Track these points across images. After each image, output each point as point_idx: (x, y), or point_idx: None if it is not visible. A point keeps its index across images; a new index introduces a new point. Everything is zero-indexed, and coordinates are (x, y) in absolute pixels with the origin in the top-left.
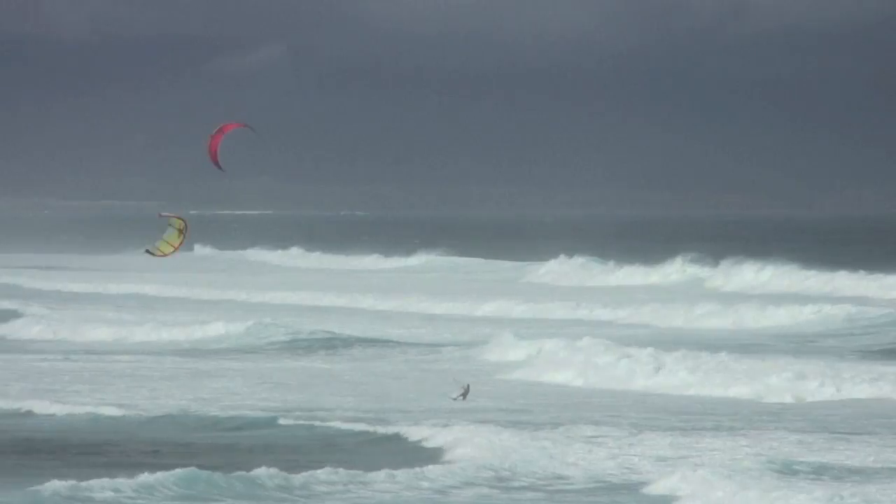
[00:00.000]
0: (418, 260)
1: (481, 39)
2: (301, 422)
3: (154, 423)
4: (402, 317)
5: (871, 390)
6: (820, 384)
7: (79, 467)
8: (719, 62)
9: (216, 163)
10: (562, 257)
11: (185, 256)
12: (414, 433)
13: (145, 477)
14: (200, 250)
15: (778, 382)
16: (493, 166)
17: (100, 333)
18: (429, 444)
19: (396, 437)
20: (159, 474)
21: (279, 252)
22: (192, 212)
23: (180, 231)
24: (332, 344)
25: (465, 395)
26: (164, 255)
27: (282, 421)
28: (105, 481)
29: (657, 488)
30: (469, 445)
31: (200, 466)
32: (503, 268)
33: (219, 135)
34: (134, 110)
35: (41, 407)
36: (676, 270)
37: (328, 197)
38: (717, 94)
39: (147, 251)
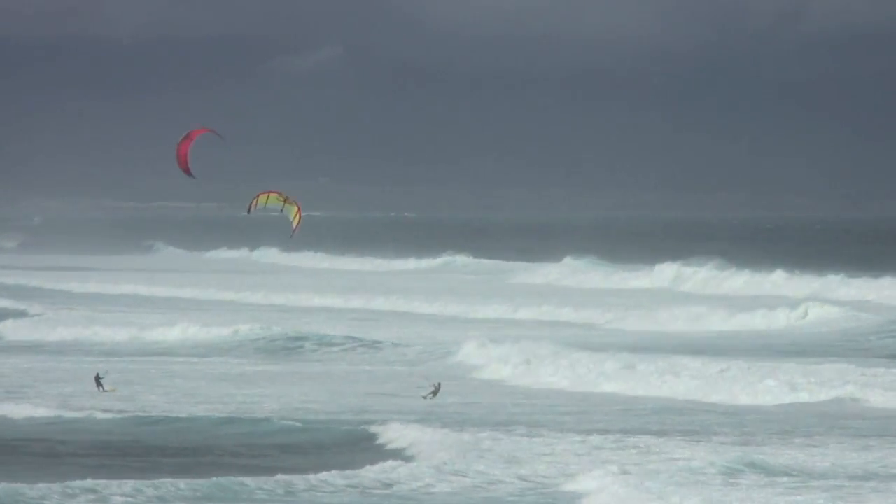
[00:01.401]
0: (436, 262)
1: (538, 41)
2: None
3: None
4: (391, 317)
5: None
6: (773, 386)
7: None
8: (777, 64)
9: (186, 170)
10: (566, 259)
11: (208, 258)
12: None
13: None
14: (226, 253)
15: (724, 385)
16: (548, 168)
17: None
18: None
19: (357, 437)
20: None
21: (293, 254)
22: (241, 213)
23: (286, 201)
24: (309, 345)
25: (435, 393)
26: (296, 226)
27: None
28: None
29: (574, 487)
30: (402, 441)
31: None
32: (515, 269)
33: (187, 141)
34: (191, 111)
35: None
36: (675, 275)
37: (381, 198)
38: (772, 95)
39: (293, 235)
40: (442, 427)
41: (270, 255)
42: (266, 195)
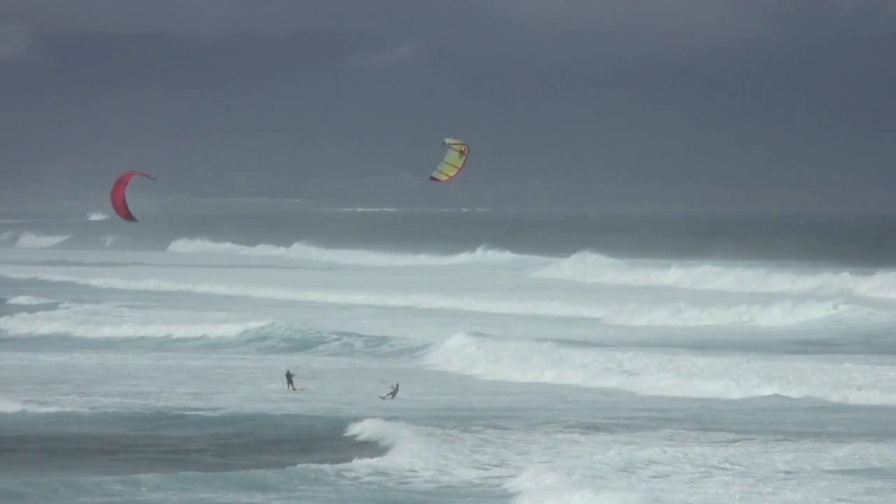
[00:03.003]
0: (469, 258)
1: (617, 35)
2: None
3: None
4: (397, 312)
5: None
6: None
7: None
8: (857, 60)
9: (125, 215)
10: (574, 256)
11: (248, 254)
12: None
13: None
14: (266, 250)
15: (665, 380)
16: (628, 162)
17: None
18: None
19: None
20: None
21: (331, 250)
22: (323, 209)
23: (461, 153)
24: (313, 341)
25: (393, 393)
26: (449, 177)
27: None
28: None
29: (513, 486)
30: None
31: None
32: (549, 263)
33: (121, 186)
34: (273, 108)
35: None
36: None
37: (457, 194)
38: (854, 91)
39: (432, 178)
40: (412, 423)
41: (308, 251)
42: (454, 168)
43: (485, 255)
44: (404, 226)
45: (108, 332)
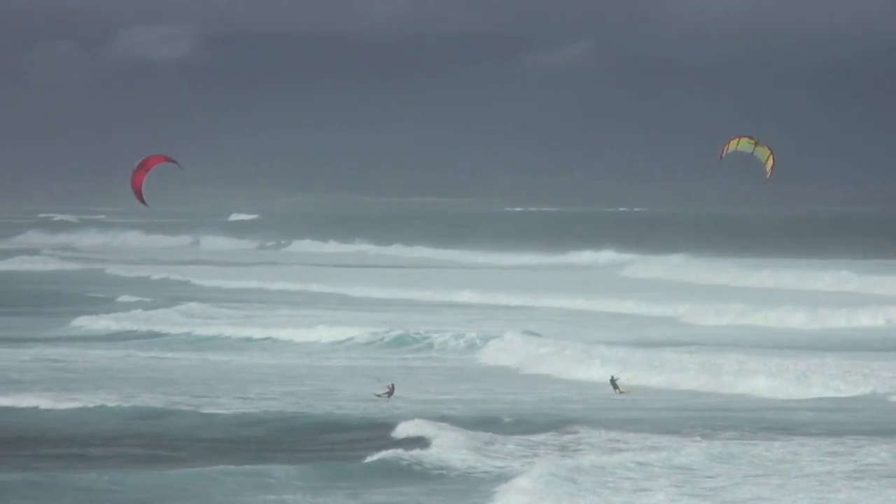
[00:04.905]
0: (570, 259)
1: (789, 35)
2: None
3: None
4: (469, 310)
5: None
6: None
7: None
8: None
9: (140, 199)
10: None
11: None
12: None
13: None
14: (369, 250)
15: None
16: (802, 160)
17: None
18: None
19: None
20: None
21: (443, 250)
22: (490, 209)
23: (756, 144)
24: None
25: (390, 393)
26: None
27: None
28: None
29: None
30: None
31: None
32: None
33: (142, 171)
34: (443, 107)
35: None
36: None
37: (626, 193)
38: None
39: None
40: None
41: (422, 251)
42: (737, 140)
43: (583, 255)
44: (550, 226)
45: (256, 333)
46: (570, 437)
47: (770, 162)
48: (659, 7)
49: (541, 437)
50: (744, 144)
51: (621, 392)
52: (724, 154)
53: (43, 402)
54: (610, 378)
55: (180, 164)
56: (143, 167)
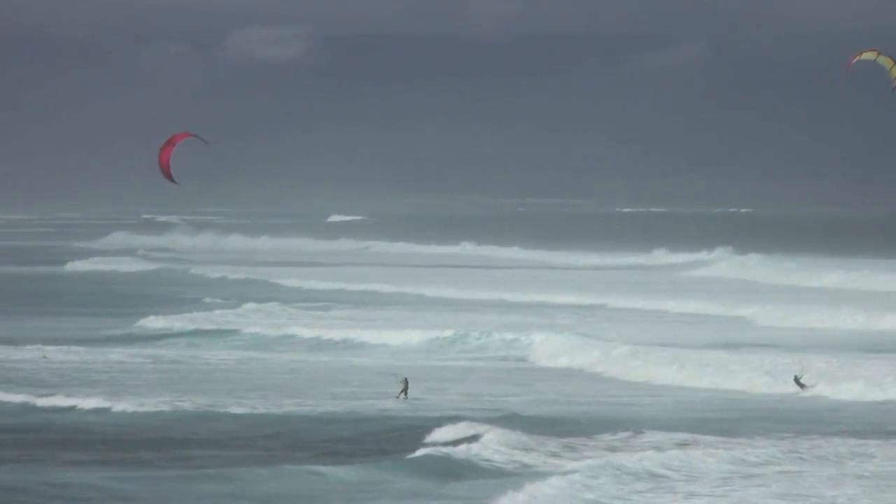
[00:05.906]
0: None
1: None
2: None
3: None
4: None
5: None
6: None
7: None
8: None
9: (169, 176)
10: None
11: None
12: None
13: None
14: (471, 250)
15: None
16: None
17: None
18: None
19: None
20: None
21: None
22: (601, 209)
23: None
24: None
25: (405, 390)
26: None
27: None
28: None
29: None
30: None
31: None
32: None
33: (169, 147)
34: (554, 107)
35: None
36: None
37: (738, 194)
38: None
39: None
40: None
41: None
42: (860, 53)
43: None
44: (641, 226)
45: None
46: (636, 438)
47: (895, 71)
48: (773, 7)
49: (605, 437)
50: (867, 56)
51: (807, 387)
52: (851, 68)
53: (106, 403)
54: (794, 377)
55: (205, 140)
56: (170, 143)
